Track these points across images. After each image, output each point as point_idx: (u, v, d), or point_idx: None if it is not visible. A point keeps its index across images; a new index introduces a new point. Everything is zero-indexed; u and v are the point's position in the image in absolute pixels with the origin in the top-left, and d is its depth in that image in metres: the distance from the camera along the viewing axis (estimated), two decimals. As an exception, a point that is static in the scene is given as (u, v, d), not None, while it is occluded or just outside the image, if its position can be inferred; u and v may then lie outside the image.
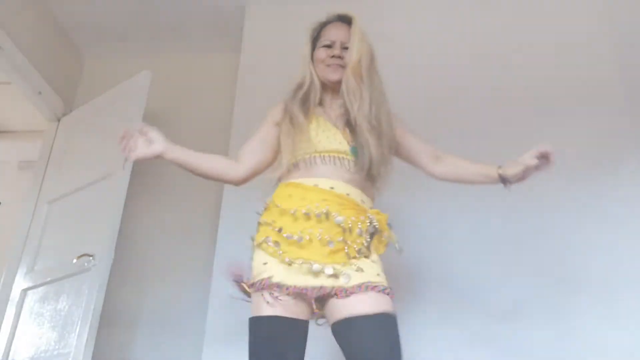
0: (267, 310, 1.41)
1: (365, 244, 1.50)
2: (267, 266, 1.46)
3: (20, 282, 2.81)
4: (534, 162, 1.58)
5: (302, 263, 1.42)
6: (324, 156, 1.56)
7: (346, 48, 1.65)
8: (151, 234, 3.02)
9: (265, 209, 1.59)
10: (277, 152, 1.66)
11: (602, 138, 2.63)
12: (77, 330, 2.36)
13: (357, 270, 1.44)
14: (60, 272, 2.62)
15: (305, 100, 1.65)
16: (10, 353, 2.60)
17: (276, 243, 1.47)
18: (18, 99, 3.28)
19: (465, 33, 2.86)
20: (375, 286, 1.41)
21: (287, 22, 3.11)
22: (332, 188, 1.52)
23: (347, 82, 1.60)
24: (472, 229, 2.49)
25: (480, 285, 2.37)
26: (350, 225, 1.48)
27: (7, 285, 2.85)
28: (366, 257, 1.50)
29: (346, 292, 1.40)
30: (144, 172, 3.03)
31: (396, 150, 1.71)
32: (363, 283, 1.41)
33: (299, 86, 1.69)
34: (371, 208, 1.58)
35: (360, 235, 1.50)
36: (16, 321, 2.69)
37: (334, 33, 1.69)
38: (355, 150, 1.57)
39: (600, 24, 2.90)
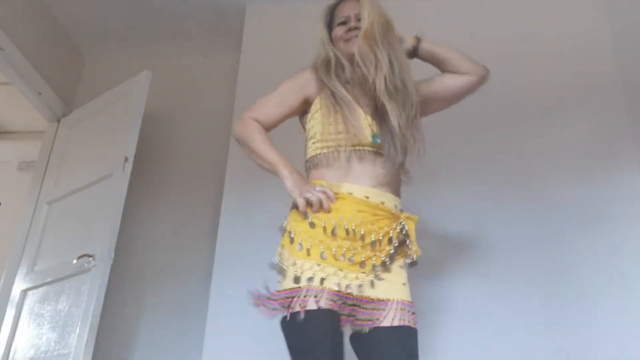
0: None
1: (393, 251, 1.47)
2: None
3: (20, 282, 2.81)
4: None
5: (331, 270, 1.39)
6: (360, 151, 1.48)
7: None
8: (151, 234, 3.02)
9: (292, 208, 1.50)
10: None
11: (601, 138, 2.63)
12: (77, 330, 2.36)
13: (381, 279, 1.43)
14: (60, 273, 2.62)
15: (339, 77, 1.55)
16: (10, 353, 2.60)
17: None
18: (18, 99, 3.27)
19: (464, 33, 2.86)
20: (401, 302, 1.42)
21: (287, 22, 3.11)
22: (367, 197, 1.46)
23: (359, 46, 1.51)
24: (472, 228, 2.49)
25: (480, 285, 2.37)
26: (381, 237, 1.45)
27: (7, 285, 2.84)
28: (392, 262, 1.47)
29: (368, 304, 1.40)
30: (144, 172, 3.04)
31: (428, 109, 1.66)
32: (387, 298, 1.41)
33: (326, 62, 1.59)
34: (402, 211, 1.54)
35: (389, 243, 1.46)
36: (16, 322, 2.69)
37: (347, 9, 1.65)
38: (377, 137, 1.49)
39: (600, 24, 2.91)
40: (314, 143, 1.55)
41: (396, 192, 1.55)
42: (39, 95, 3.14)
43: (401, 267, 1.49)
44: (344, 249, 1.41)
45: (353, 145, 1.48)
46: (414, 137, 1.53)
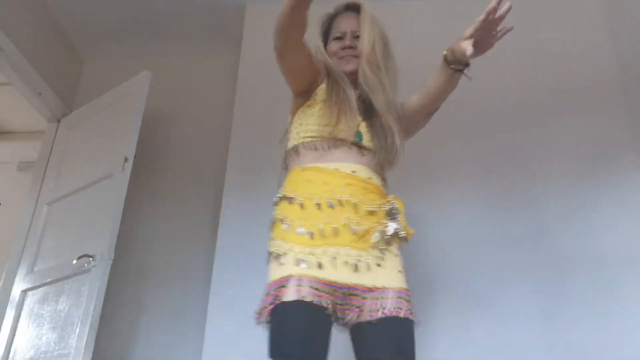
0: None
1: (389, 227, 1.44)
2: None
3: (20, 283, 2.81)
4: (479, 23, 1.34)
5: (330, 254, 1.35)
6: (345, 144, 1.49)
7: (358, 36, 1.60)
8: (151, 234, 3.02)
9: (279, 201, 1.48)
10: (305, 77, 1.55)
11: (601, 138, 2.63)
12: (77, 331, 2.35)
13: (378, 265, 1.38)
14: (60, 273, 2.62)
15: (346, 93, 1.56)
16: (10, 354, 2.60)
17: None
18: (18, 99, 3.27)
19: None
20: (397, 291, 1.37)
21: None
22: (354, 172, 1.46)
23: (364, 73, 1.53)
24: (471, 229, 2.49)
25: (479, 286, 2.37)
26: (375, 208, 1.43)
27: (7, 286, 2.84)
28: (389, 244, 1.44)
29: (366, 293, 1.35)
30: (144, 172, 3.04)
31: (406, 129, 1.64)
32: (384, 287, 1.36)
33: (329, 67, 1.59)
34: (392, 195, 1.53)
35: (384, 217, 1.45)
36: (16, 322, 2.69)
37: (344, 24, 1.64)
38: (361, 136, 1.50)
39: (600, 24, 2.91)
40: (301, 132, 1.55)
41: (382, 176, 1.54)
42: (38, 96, 3.14)
43: (396, 255, 1.45)
44: (344, 219, 1.38)
45: (338, 139, 1.49)
46: (401, 148, 1.54)
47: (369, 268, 1.37)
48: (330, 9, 1.73)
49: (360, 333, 1.36)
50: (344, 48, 1.61)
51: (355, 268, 1.36)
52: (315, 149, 1.50)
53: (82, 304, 2.42)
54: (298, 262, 1.33)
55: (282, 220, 1.42)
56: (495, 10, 1.29)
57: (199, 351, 2.41)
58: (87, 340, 2.30)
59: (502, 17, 1.31)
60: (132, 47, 3.49)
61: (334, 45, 1.63)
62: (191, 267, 2.89)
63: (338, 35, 1.63)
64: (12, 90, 3.23)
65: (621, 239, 2.39)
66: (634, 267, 2.33)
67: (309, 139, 1.51)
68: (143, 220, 3.04)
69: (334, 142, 1.49)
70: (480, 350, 2.25)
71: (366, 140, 1.52)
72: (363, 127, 1.53)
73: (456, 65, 1.42)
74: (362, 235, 1.39)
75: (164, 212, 3.07)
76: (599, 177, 2.53)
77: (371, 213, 1.43)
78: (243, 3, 3.17)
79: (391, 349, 1.32)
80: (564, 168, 2.57)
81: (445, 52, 1.42)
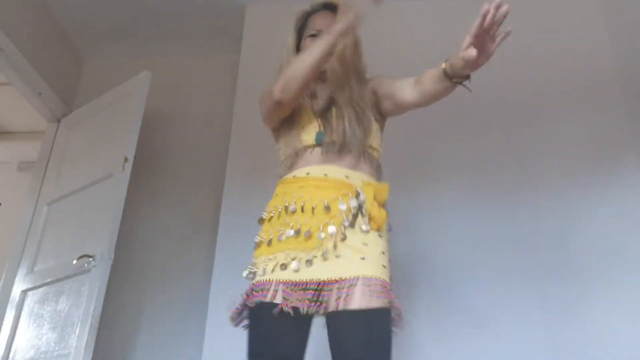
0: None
1: (345, 220, 1.40)
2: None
3: (20, 283, 2.81)
4: (475, 28, 1.28)
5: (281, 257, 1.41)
6: (307, 149, 1.53)
7: None
8: (151, 234, 3.02)
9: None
10: None
11: (601, 138, 2.63)
12: (77, 331, 2.36)
13: (335, 257, 1.36)
14: (60, 273, 2.62)
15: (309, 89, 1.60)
16: (10, 354, 2.60)
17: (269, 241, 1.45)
18: (18, 100, 3.27)
19: (464, 34, 2.86)
20: (362, 278, 1.33)
21: (287, 23, 3.10)
22: (308, 174, 1.49)
23: (334, 71, 1.58)
24: (470, 229, 2.49)
25: (479, 285, 2.37)
26: (325, 205, 1.41)
27: (7, 286, 2.85)
28: (357, 234, 1.41)
29: (326, 286, 1.34)
30: (144, 172, 3.04)
31: (384, 107, 1.62)
32: (340, 277, 1.33)
33: None
34: (365, 182, 1.49)
35: (343, 211, 1.42)
36: (16, 322, 2.69)
37: (320, 22, 1.64)
38: (322, 136, 1.52)
39: (600, 24, 2.91)
40: (280, 156, 1.62)
41: (351, 167, 1.51)
42: (38, 96, 3.14)
43: (365, 244, 1.39)
44: (291, 224, 1.42)
45: (304, 146, 1.53)
46: (353, 135, 1.52)
47: (324, 259, 1.36)
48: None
49: (330, 325, 1.35)
50: None
51: (310, 263, 1.37)
52: (285, 161, 1.57)
53: (82, 304, 2.42)
54: (263, 269, 1.41)
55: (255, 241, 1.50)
56: (490, 12, 1.25)
57: (199, 351, 2.41)
58: (87, 340, 2.30)
59: (499, 22, 1.26)
60: (132, 47, 3.49)
61: (308, 42, 1.63)
62: (191, 267, 2.89)
63: (313, 32, 1.64)
64: (12, 90, 3.23)
65: (621, 239, 2.39)
66: (635, 267, 2.33)
67: (284, 159, 1.58)
68: (143, 220, 3.04)
69: (302, 151, 1.53)
70: (478, 354, 2.25)
71: (327, 136, 1.52)
72: (322, 126, 1.55)
73: (456, 78, 1.39)
74: (307, 238, 1.40)
75: (164, 213, 3.07)
76: (599, 177, 2.53)
77: (323, 210, 1.42)
78: (243, 3, 3.17)
79: (359, 340, 1.30)
80: (564, 168, 2.57)
81: (443, 65, 1.39)
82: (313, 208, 1.42)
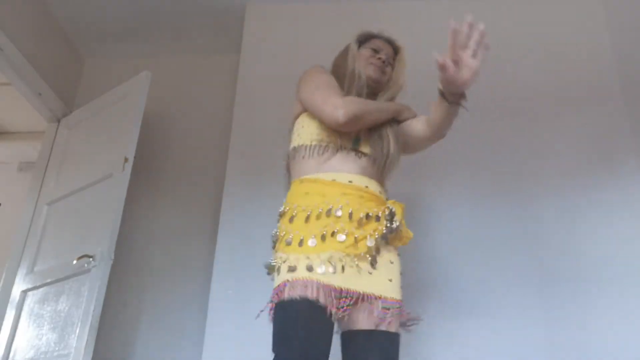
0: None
1: (386, 230, 1.48)
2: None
3: (20, 283, 2.81)
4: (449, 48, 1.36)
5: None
6: (344, 150, 1.56)
7: (387, 64, 1.74)
8: (151, 234, 3.02)
9: (280, 217, 1.56)
10: None
11: (601, 138, 2.63)
12: (77, 331, 2.35)
13: (370, 273, 1.43)
14: (60, 273, 2.62)
15: (352, 91, 1.65)
16: (10, 354, 2.60)
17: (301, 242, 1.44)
18: (18, 100, 3.27)
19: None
20: (384, 300, 1.42)
21: (287, 22, 3.11)
22: (350, 182, 1.52)
23: (389, 97, 1.72)
24: (470, 229, 2.49)
25: (478, 284, 2.37)
26: (371, 214, 1.47)
27: (7, 286, 2.84)
28: (388, 251, 1.50)
29: (353, 299, 1.38)
30: (144, 172, 3.04)
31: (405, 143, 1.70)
32: (373, 294, 1.40)
33: (351, 75, 1.67)
34: (387, 199, 1.59)
35: (378, 221, 1.48)
36: (16, 322, 2.69)
37: (383, 45, 1.78)
38: (359, 142, 1.58)
39: (600, 24, 2.91)
40: (303, 134, 1.61)
41: (381, 183, 1.60)
42: (38, 96, 3.14)
43: (391, 262, 1.49)
44: (337, 228, 1.43)
45: (339, 145, 1.56)
46: (396, 157, 1.61)
47: (359, 273, 1.41)
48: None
49: (349, 341, 1.41)
50: (378, 58, 1.73)
51: (343, 270, 1.39)
52: (316, 155, 1.56)
53: (82, 304, 2.42)
54: (307, 266, 1.38)
55: (283, 235, 1.48)
56: (459, 31, 1.33)
57: (199, 351, 2.41)
58: (87, 340, 2.30)
59: (474, 37, 1.33)
60: (132, 47, 3.50)
61: (368, 52, 1.75)
62: (191, 267, 2.89)
63: (375, 47, 1.76)
64: (12, 90, 3.23)
65: (622, 239, 2.39)
66: (635, 267, 2.33)
67: (310, 143, 1.58)
68: (143, 220, 3.04)
69: (333, 147, 1.55)
70: (478, 354, 2.25)
71: (363, 146, 1.59)
72: (361, 133, 1.60)
73: (451, 97, 1.45)
74: (354, 243, 1.43)
75: (164, 212, 3.07)
76: (599, 177, 2.53)
77: (367, 220, 1.47)
78: (243, 3, 3.17)
79: None
80: (564, 168, 2.57)
81: (439, 86, 1.45)
82: (361, 218, 1.46)
